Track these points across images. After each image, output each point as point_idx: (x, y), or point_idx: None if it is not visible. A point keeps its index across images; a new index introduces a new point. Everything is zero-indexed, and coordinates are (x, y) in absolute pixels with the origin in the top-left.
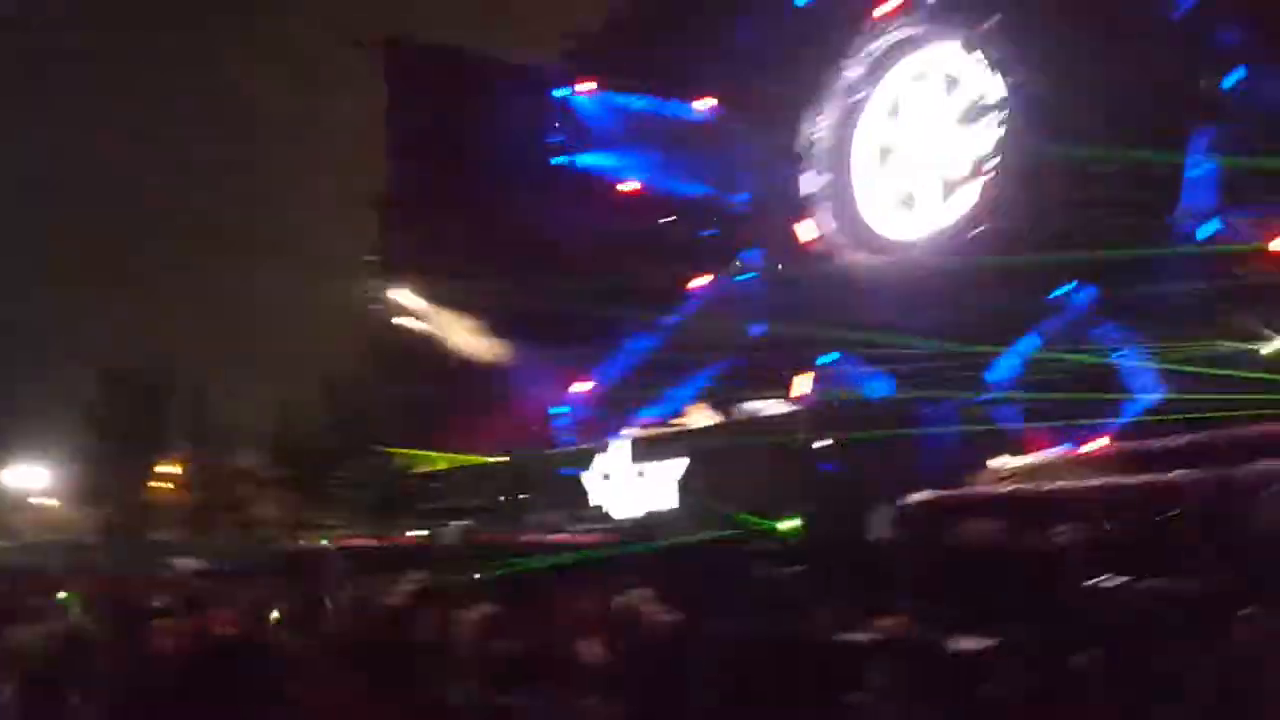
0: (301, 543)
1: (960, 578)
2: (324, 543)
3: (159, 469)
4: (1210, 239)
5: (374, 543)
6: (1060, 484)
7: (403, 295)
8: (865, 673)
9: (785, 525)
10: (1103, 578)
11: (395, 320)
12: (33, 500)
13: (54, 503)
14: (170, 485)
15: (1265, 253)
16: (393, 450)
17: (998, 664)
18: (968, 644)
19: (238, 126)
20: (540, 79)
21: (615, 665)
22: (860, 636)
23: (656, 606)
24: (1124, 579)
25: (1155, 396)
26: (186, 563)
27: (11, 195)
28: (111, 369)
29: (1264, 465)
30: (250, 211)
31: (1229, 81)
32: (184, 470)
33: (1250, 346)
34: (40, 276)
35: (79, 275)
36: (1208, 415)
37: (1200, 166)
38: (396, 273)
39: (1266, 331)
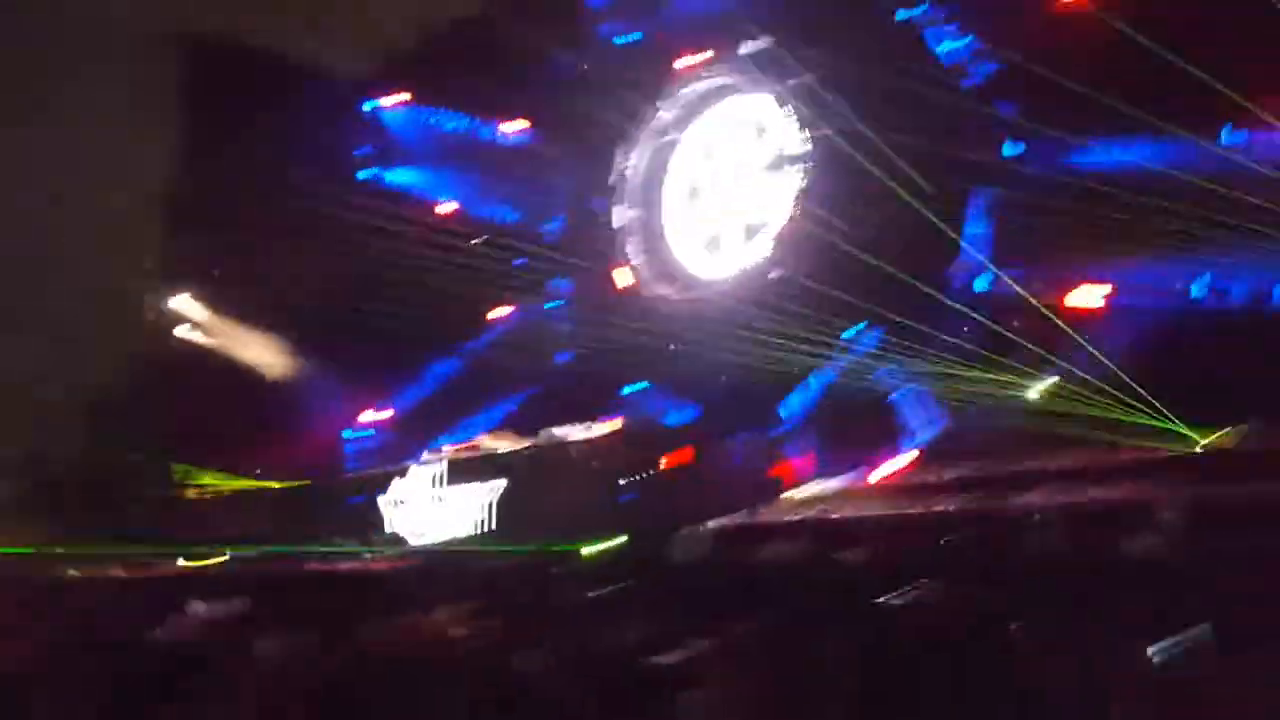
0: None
1: (765, 596)
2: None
3: None
4: (984, 291)
5: (125, 573)
6: (849, 512)
7: (184, 304)
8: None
9: (589, 549)
10: (891, 595)
11: (174, 331)
12: None
13: None
14: None
15: (1029, 306)
16: (160, 468)
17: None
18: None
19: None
20: (350, 89)
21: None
22: (672, 658)
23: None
24: (912, 596)
25: (935, 431)
26: None
27: None
28: None
29: (1028, 498)
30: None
31: (1008, 151)
32: None
33: (1018, 389)
34: None
35: None
36: (979, 449)
37: (978, 225)
38: (178, 281)
39: (1032, 375)
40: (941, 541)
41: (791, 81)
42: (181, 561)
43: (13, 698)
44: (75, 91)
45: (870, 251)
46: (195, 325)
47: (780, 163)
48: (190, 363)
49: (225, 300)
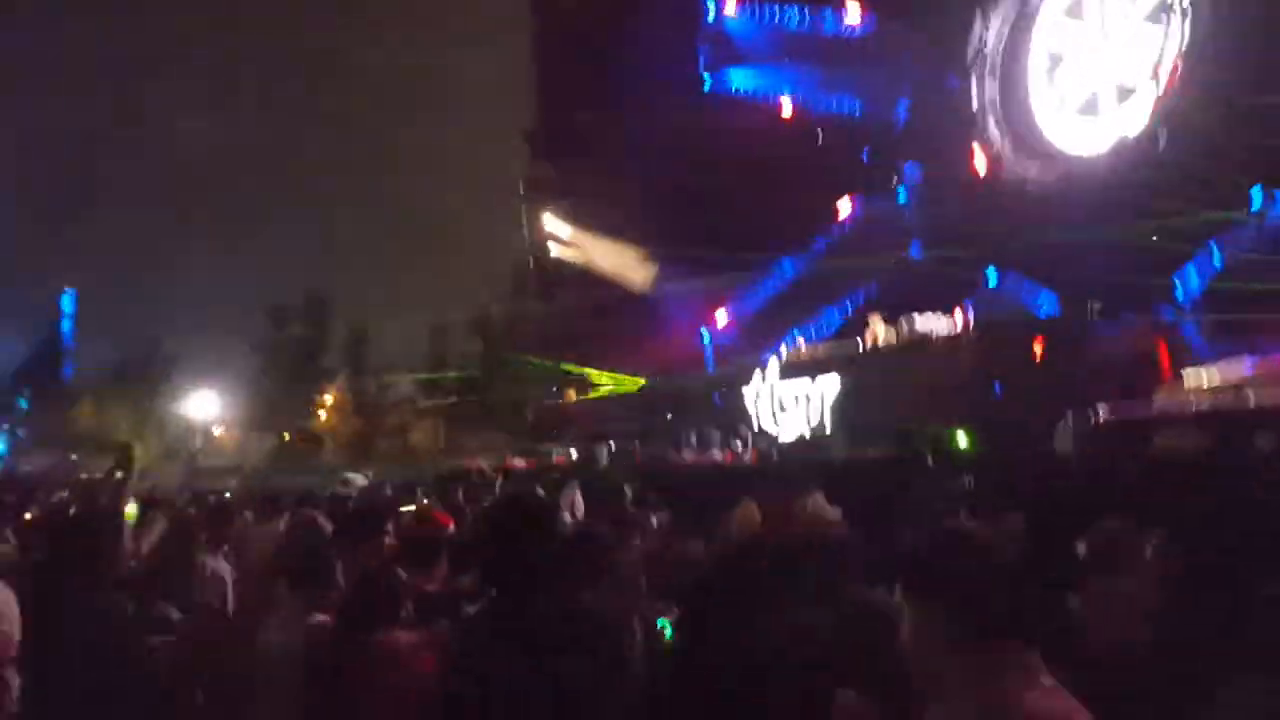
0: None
1: (1162, 491)
2: (480, 463)
3: (321, 399)
4: None
5: (525, 464)
6: (1259, 397)
7: (553, 222)
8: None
9: (960, 440)
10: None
11: (547, 246)
12: (206, 427)
13: (224, 431)
14: (331, 414)
15: None
16: (541, 372)
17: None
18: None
19: (388, 71)
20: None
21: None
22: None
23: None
24: None
25: None
26: (358, 479)
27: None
28: (276, 306)
29: None
30: (404, 145)
31: None
32: (343, 400)
33: None
34: (209, 215)
35: (245, 213)
36: None
37: None
38: (546, 200)
39: None
40: None
41: None
42: (571, 452)
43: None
44: (439, 30)
45: (1270, 107)
46: (564, 244)
47: (1161, 12)
48: (561, 275)
49: (589, 217)
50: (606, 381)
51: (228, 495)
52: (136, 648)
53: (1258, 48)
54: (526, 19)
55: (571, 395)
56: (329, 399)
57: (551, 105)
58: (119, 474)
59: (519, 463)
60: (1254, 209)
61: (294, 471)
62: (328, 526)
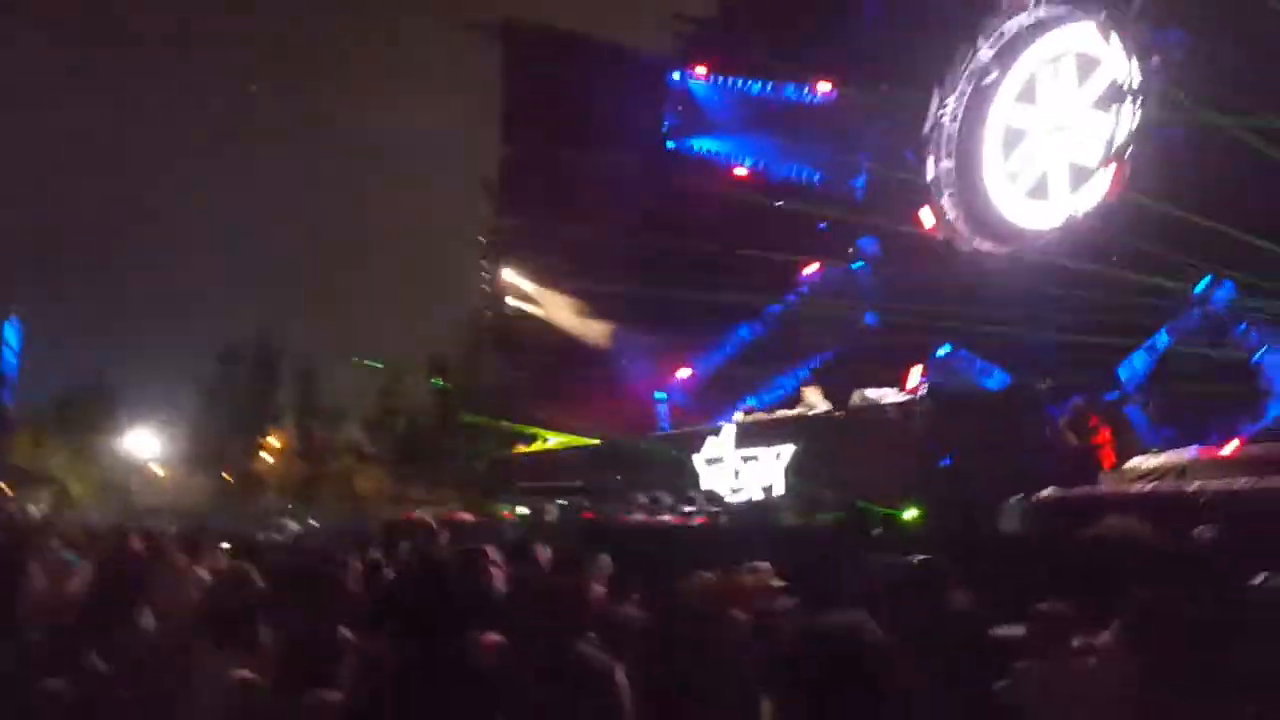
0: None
1: (1102, 574)
2: (420, 513)
3: (266, 440)
4: None
5: (471, 518)
6: (1202, 484)
7: (512, 276)
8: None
9: (908, 514)
10: (1258, 577)
11: (505, 300)
12: (145, 465)
13: (163, 469)
14: (276, 457)
15: None
16: (494, 426)
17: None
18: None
19: (352, 117)
20: (655, 64)
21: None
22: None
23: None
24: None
25: None
26: (293, 527)
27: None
28: (229, 346)
29: None
30: (362, 193)
31: None
32: (290, 442)
33: None
34: (160, 257)
35: (199, 252)
36: None
37: None
38: (506, 254)
39: None
40: None
41: (1122, 9)
42: (517, 509)
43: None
44: (402, 82)
45: (1220, 191)
46: (523, 297)
47: (1112, 97)
48: (518, 330)
49: (547, 273)
50: (560, 437)
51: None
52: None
53: (1207, 134)
54: (496, 69)
55: (523, 449)
56: (275, 441)
57: (514, 158)
58: (50, 508)
59: (465, 516)
60: (1198, 293)
61: (232, 514)
62: (258, 580)
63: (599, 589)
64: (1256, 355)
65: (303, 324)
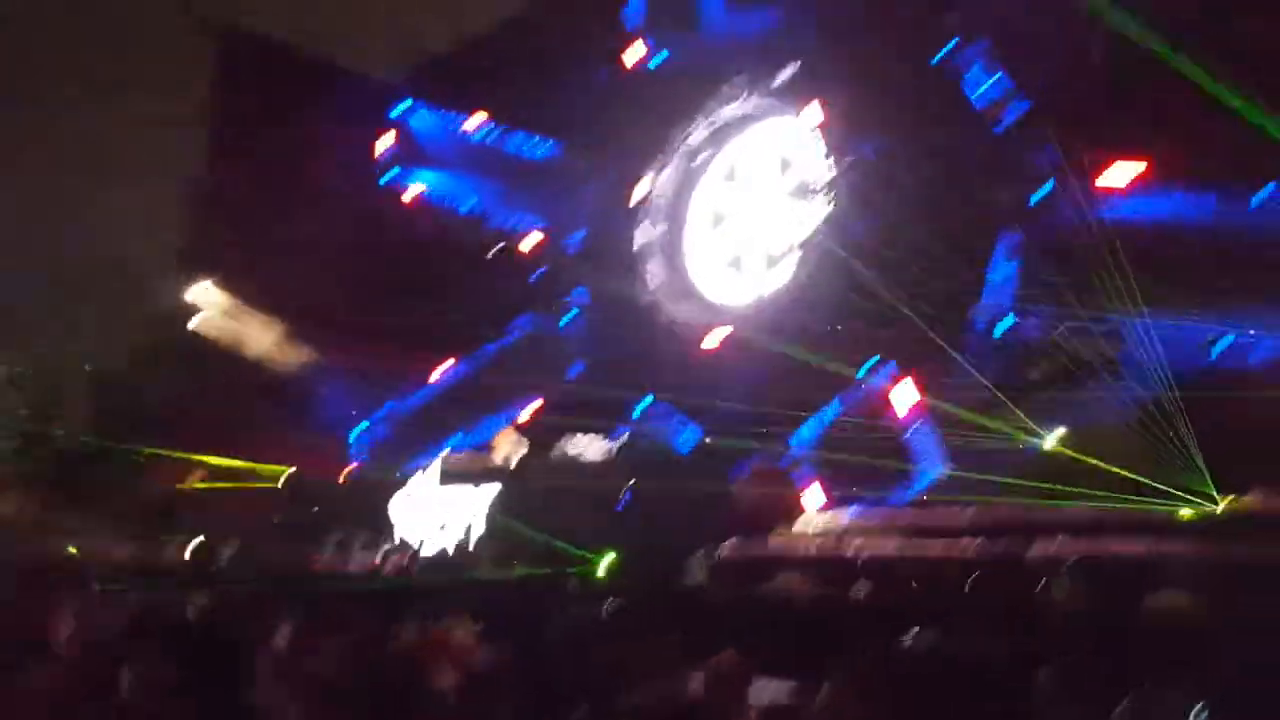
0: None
1: (775, 627)
2: (70, 550)
3: None
4: (1005, 335)
5: (130, 555)
6: (860, 545)
7: (206, 290)
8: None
9: (603, 562)
10: (909, 634)
11: (194, 315)
12: None
13: None
14: None
15: (1052, 352)
16: (164, 455)
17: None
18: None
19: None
20: (380, 91)
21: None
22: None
23: (474, 639)
24: (929, 635)
25: (940, 471)
26: None
27: None
28: None
29: (1053, 545)
30: (36, 183)
31: (1036, 195)
32: None
33: (1033, 438)
34: None
35: None
36: (990, 497)
37: (1005, 267)
38: (203, 266)
39: (1047, 426)
40: (967, 584)
41: (819, 111)
42: (190, 548)
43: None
44: (112, 80)
45: (891, 287)
46: (214, 314)
47: (804, 192)
48: (205, 352)
49: (244, 292)
50: (241, 469)
51: None
52: None
53: (886, 230)
54: (208, 68)
55: (197, 480)
56: None
57: (223, 166)
58: None
59: (119, 553)
60: (860, 375)
61: None
62: None
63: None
64: (910, 430)
65: None
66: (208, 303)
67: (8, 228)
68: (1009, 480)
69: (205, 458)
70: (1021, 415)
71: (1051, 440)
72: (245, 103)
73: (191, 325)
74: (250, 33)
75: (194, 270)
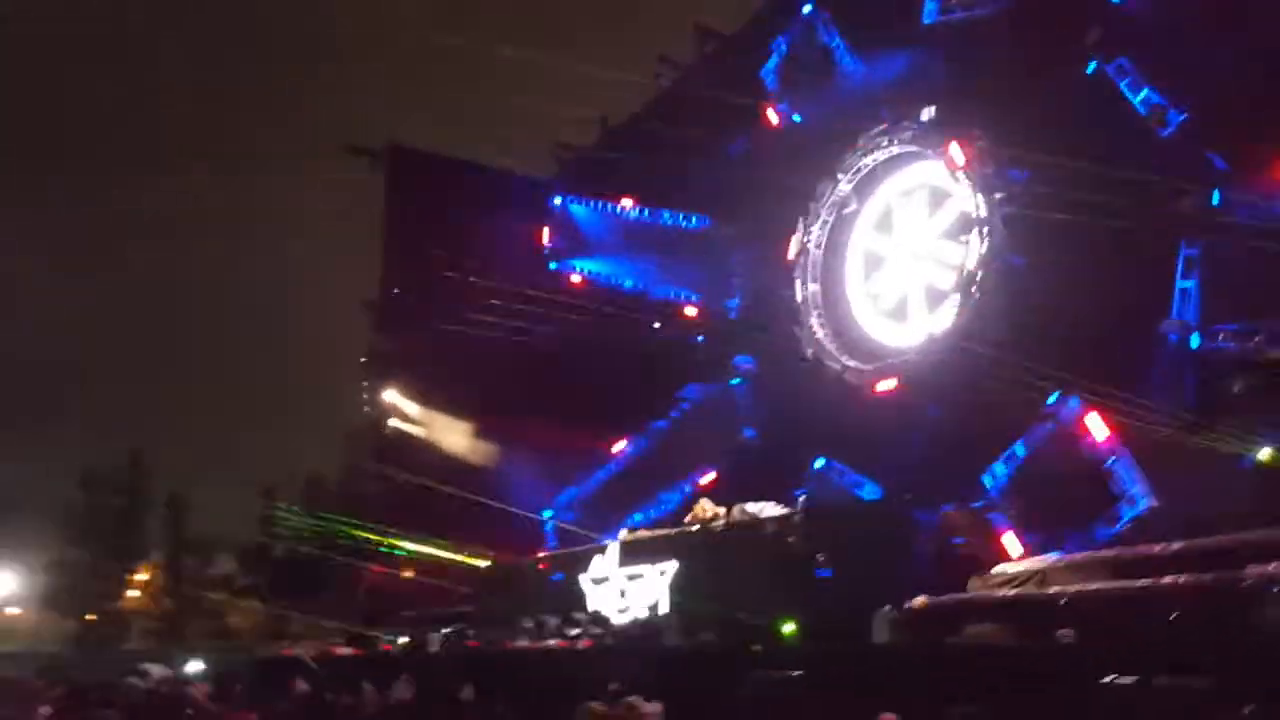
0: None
1: (970, 679)
2: (297, 651)
3: (134, 576)
4: (1198, 350)
5: (351, 651)
6: (1060, 588)
7: (394, 396)
8: None
9: (786, 628)
10: (1113, 677)
11: (387, 421)
12: None
13: (19, 610)
14: (144, 593)
15: (1252, 364)
16: (374, 549)
17: None
18: None
19: (236, 228)
20: (538, 189)
21: None
22: None
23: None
24: (1134, 678)
25: (1145, 504)
26: (157, 670)
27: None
28: (93, 469)
29: (1264, 569)
30: (241, 311)
31: (1214, 199)
32: (157, 577)
33: (1238, 452)
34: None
35: (59, 369)
36: (1201, 519)
37: (1186, 281)
38: (387, 375)
39: (1254, 440)
40: (1171, 618)
41: (961, 150)
42: (401, 640)
43: None
44: (289, 198)
45: (1066, 313)
46: (405, 417)
47: (961, 228)
48: (400, 450)
49: (429, 393)
50: (444, 560)
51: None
52: None
53: (1051, 261)
54: (379, 188)
55: (407, 574)
56: (142, 576)
57: (397, 279)
58: None
59: (344, 650)
60: (1049, 406)
61: (93, 657)
62: None
63: None
64: (1107, 462)
65: (175, 452)
66: (397, 407)
67: (218, 360)
68: (1221, 502)
69: (411, 549)
70: (1226, 436)
71: (1263, 456)
72: (411, 215)
73: (388, 429)
74: (409, 148)
75: (381, 378)
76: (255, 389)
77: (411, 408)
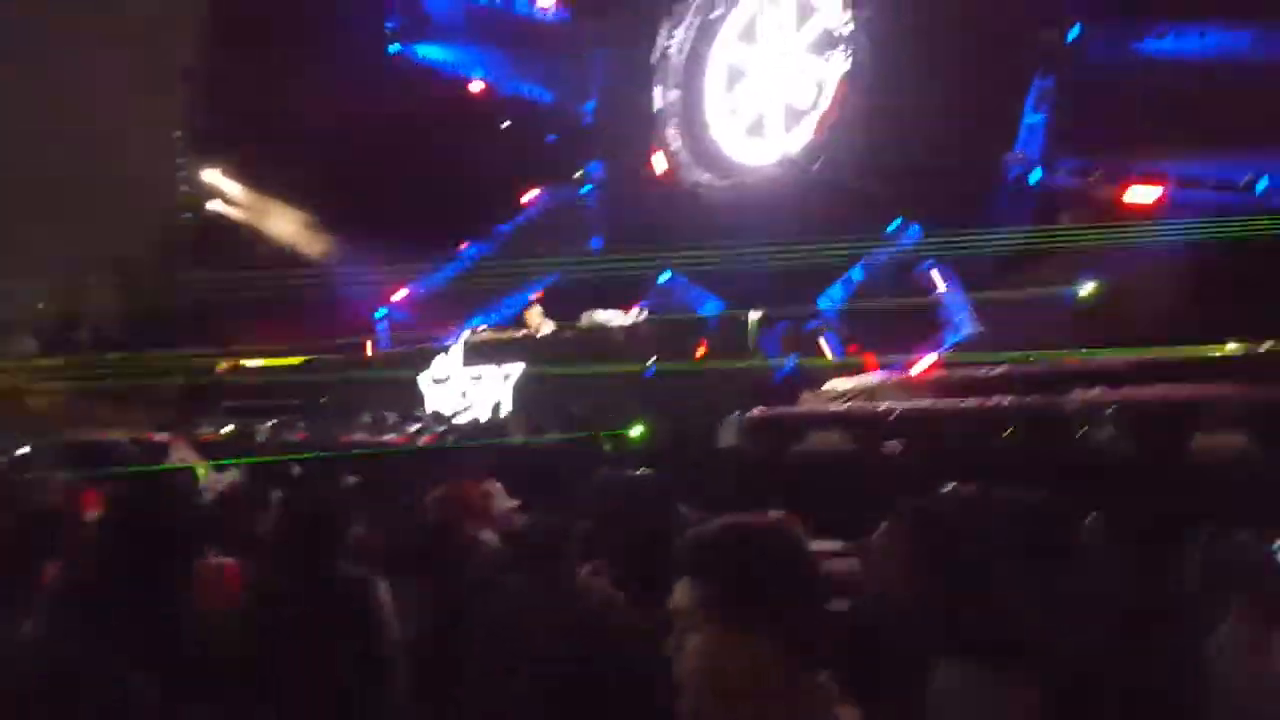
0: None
1: (813, 484)
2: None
3: None
4: (1037, 185)
5: (168, 439)
6: (892, 403)
7: (217, 177)
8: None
9: (633, 431)
10: (947, 486)
11: (206, 204)
12: None
13: None
14: None
15: (1087, 201)
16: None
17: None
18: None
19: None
20: None
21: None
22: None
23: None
24: (968, 487)
25: (973, 330)
26: None
27: None
28: None
29: (1088, 393)
30: (34, 80)
31: (1069, 35)
32: None
33: (1065, 289)
34: None
35: None
36: (1023, 350)
37: (1034, 115)
38: (210, 153)
39: (1081, 277)
40: (1003, 435)
41: None
42: (223, 430)
43: None
44: None
45: (917, 140)
46: (229, 201)
47: (824, 44)
48: (223, 239)
49: (256, 175)
50: (268, 353)
51: None
52: None
53: (909, 85)
54: None
55: (227, 365)
56: None
57: (222, 49)
58: None
59: (162, 436)
60: (889, 232)
61: None
62: None
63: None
64: (936, 291)
65: None
66: (223, 188)
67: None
68: (1042, 335)
69: (234, 346)
70: (1055, 266)
71: (1085, 290)
72: None
73: (208, 212)
74: None
75: (202, 156)
76: (51, 159)
77: (236, 191)
